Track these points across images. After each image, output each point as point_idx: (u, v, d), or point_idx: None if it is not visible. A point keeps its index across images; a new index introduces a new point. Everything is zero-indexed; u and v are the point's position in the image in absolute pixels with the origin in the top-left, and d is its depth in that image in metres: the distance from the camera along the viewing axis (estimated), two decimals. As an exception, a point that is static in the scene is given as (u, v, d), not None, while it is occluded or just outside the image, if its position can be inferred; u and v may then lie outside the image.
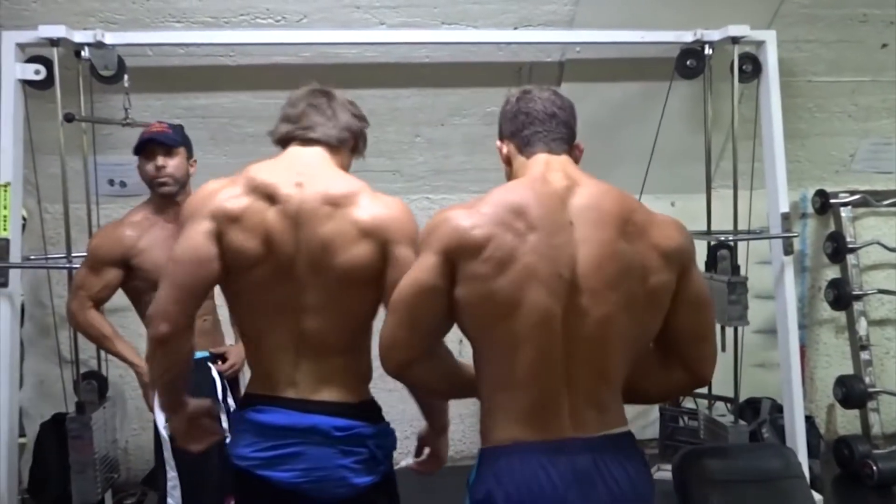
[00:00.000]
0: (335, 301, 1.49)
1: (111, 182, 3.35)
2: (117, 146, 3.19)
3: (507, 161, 1.48)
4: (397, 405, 3.93)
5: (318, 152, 1.56)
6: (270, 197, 1.47)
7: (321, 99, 1.59)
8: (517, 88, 1.52)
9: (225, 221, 1.46)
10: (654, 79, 3.23)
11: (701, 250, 3.04)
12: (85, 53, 2.83)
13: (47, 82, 2.81)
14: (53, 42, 2.75)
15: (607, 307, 1.30)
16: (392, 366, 1.39)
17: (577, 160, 1.45)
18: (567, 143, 1.45)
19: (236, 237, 1.46)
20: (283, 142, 1.59)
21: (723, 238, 3.13)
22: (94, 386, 2.88)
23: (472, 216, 1.32)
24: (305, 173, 1.50)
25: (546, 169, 1.39)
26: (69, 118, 2.78)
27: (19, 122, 2.81)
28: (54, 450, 3.15)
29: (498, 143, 1.51)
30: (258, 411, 1.52)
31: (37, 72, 2.79)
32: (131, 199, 3.23)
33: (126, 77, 2.92)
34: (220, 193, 1.49)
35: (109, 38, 2.83)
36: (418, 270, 1.35)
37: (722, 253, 3.12)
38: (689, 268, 1.39)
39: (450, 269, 1.32)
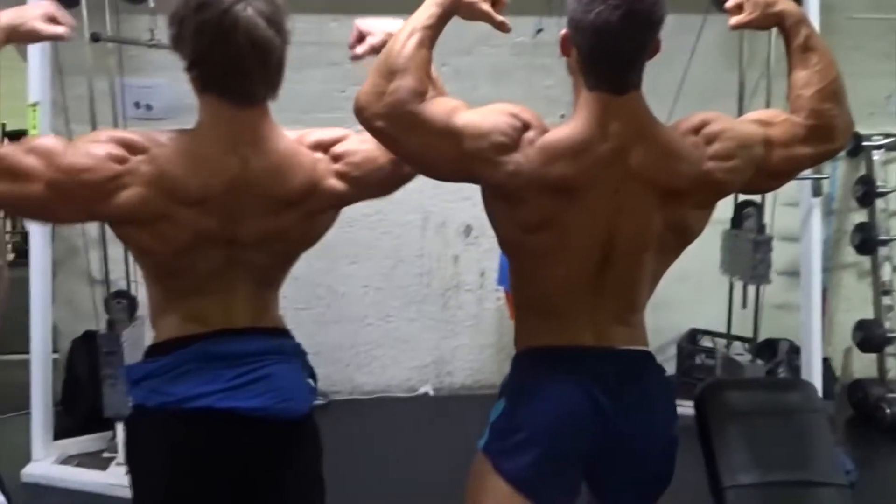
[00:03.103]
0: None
1: (137, 104, 3.36)
2: (143, 68, 3.19)
3: (567, 53, 1.34)
4: (418, 333, 4.02)
5: None
6: None
7: None
8: None
9: None
10: (689, 11, 3.13)
11: (727, 205, 3.01)
12: (111, -29, 2.80)
13: (73, 0, 2.79)
14: (80, -41, 2.73)
15: (638, 263, 1.37)
16: None
17: (650, 58, 1.31)
18: (641, 71, 1.30)
19: None
20: None
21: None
22: (124, 305, 2.97)
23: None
24: None
25: (605, 116, 1.29)
26: (96, 37, 2.77)
27: (46, 42, 2.81)
28: (85, 365, 3.27)
29: (564, 31, 1.32)
30: (210, 344, 1.34)
31: (63, -10, 2.78)
32: (157, 122, 3.25)
33: (153, -3, 2.90)
34: None
35: (136, -43, 2.80)
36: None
37: (748, 210, 3.10)
38: (755, 170, 1.37)
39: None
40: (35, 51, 2.76)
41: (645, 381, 1.42)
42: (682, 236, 1.39)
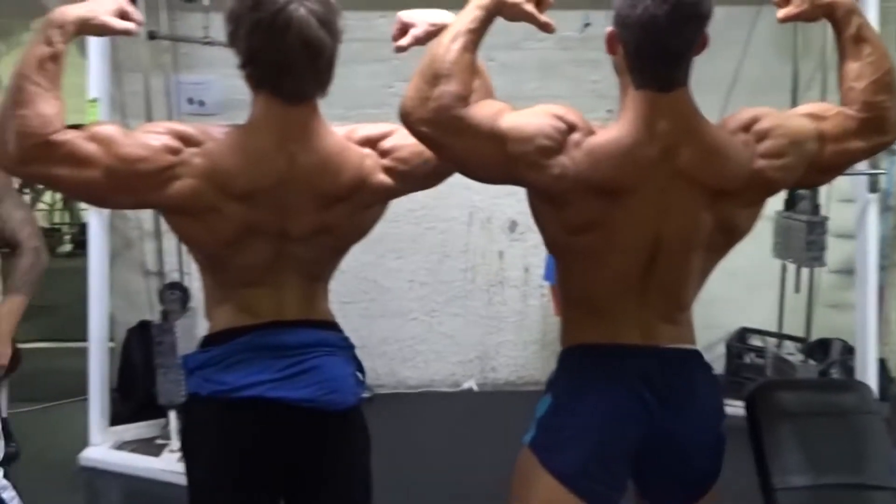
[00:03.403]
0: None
1: (190, 101, 3.44)
2: (196, 65, 3.26)
3: (613, 51, 1.33)
4: (462, 329, 4.03)
5: None
6: None
7: None
8: None
9: None
10: (741, 3, 3.08)
11: (777, 199, 2.95)
12: (166, -29, 2.87)
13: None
14: (136, -41, 2.80)
15: (685, 262, 1.36)
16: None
17: (698, 53, 1.29)
18: (689, 67, 1.28)
19: None
20: None
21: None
22: (177, 296, 3.05)
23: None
24: None
25: (652, 115, 1.27)
26: (152, 36, 2.84)
27: (105, 39, 2.89)
28: (140, 354, 3.37)
29: (610, 28, 1.31)
30: (261, 336, 1.38)
31: (121, -11, 2.85)
32: (209, 117, 3.33)
33: (206, -5, 2.97)
34: None
35: (189, -44, 2.87)
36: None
37: (802, 192, 3.02)
38: (807, 166, 1.35)
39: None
40: (95, 49, 2.84)
41: (691, 379, 1.40)
42: (731, 235, 1.37)
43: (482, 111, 1.28)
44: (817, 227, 2.92)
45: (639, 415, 1.34)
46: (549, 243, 1.42)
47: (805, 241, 2.92)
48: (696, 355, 1.43)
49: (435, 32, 1.40)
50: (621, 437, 1.35)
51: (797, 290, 3.11)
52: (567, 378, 1.42)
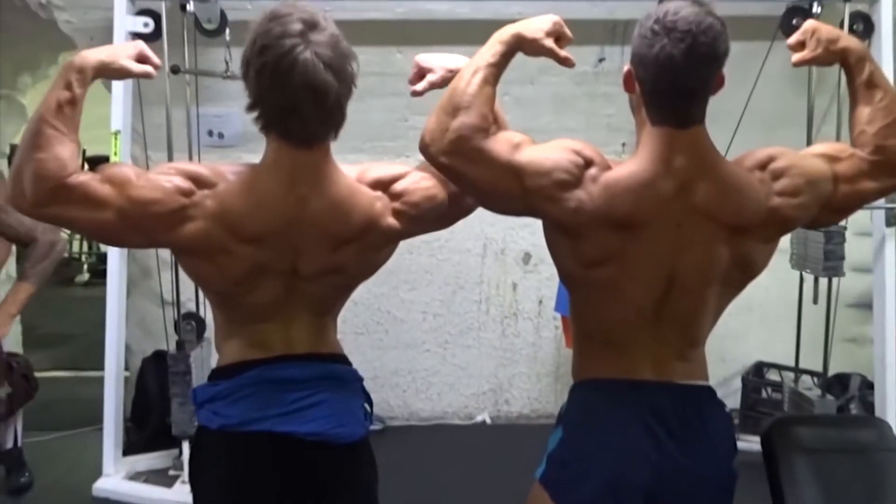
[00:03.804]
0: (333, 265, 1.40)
1: (210, 133, 3.48)
2: (217, 98, 3.31)
3: (631, 90, 1.34)
4: (475, 361, 4.01)
5: None
6: None
7: None
8: (664, 4, 1.25)
9: None
10: (756, 38, 3.10)
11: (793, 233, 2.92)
12: (190, 7, 2.93)
13: (155, 35, 2.93)
14: (161, -5, 2.87)
15: (699, 298, 1.36)
16: None
17: (715, 92, 1.31)
18: (705, 105, 1.30)
19: None
20: None
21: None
22: (192, 326, 3.06)
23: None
24: None
25: (669, 151, 1.28)
26: (175, 70, 2.91)
27: (129, 75, 2.96)
28: (155, 384, 3.38)
29: (627, 66, 1.33)
30: (269, 370, 1.38)
31: (146, 24, 2.92)
32: (229, 149, 3.37)
33: (227, 30, 3.02)
34: None
35: (212, -8, 2.93)
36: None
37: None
38: (821, 207, 1.38)
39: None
40: (118, 83, 2.91)
41: (703, 415, 1.39)
42: (747, 271, 1.38)
43: (501, 143, 1.30)
44: (835, 237, 2.89)
45: (650, 450, 1.33)
46: (564, 276, 1.42)
47: (823, 251, 2.89)
48: (709, 392, 1.42)
49: (451, 78, 1.42)
50: (632, 473, 1.34)
51: (815, 301, 3.06)
52: (579, 413, 1.41)
